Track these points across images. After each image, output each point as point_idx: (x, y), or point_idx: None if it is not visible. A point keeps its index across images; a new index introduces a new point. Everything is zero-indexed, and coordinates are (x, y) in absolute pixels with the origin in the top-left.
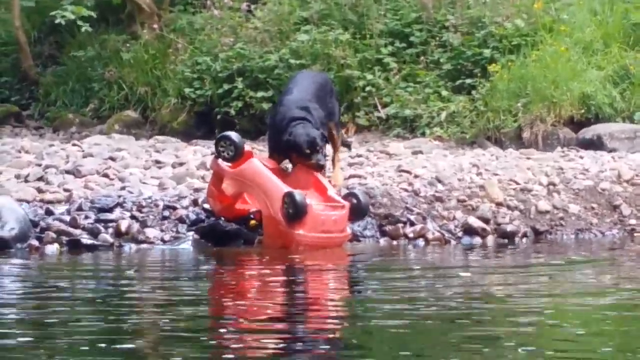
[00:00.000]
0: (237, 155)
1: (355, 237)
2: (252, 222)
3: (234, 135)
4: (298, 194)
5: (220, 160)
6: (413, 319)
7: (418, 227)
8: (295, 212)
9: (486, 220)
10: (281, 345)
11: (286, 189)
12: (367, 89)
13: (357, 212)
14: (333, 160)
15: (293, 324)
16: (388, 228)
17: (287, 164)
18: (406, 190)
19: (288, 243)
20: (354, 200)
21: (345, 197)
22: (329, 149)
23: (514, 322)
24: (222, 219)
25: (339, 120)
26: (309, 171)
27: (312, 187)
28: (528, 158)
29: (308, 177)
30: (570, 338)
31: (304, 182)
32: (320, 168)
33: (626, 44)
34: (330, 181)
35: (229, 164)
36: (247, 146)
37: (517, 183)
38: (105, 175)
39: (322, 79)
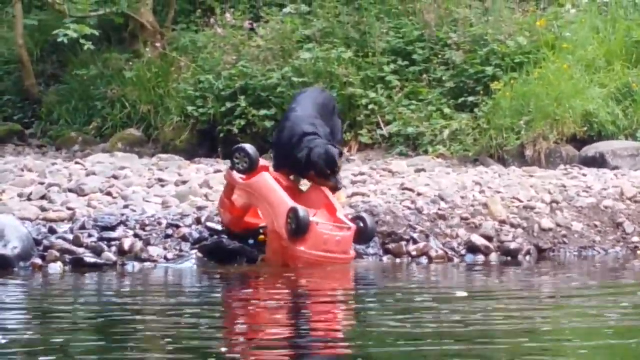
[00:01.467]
0: (251, 168)
1: (358, 255)
2: (261, 237)
3: (249, 147)
4: (302, 210)
5: (233, 172)
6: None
7: (421, 244)
8: (297, 228)
9: (489, 238)
10: None
11: (291, 204)
12: (370, 106)
13: (363, 236)
14: None
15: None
16: (391, 246)
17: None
18: (409, 208)
19: (289, 259)
20: (361, 224)
21: (352, 220)
22: None
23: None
24: (226, 237)
25: (341, 138)
26: (322, 190)
27: (322, 207)
28: (531, 176)
29: (320, 196)
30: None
31: (316, 201)
32: (338, 189)
33: (628, 62)
34: None
35: (242, 176)
36: (264, 160)
37: (520, 201)
38: (108, 194)
39: (325, 97)
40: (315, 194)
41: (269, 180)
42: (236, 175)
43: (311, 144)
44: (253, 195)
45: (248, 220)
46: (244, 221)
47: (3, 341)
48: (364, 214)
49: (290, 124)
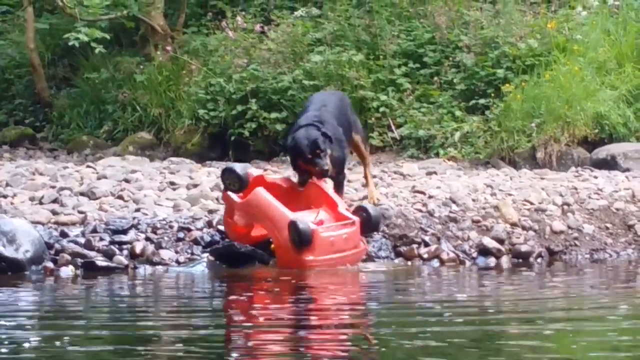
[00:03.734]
0: (243, 186)
1: (369, 259)
2: (273, 246)
3: (237, 166)
4: (301, 223)
5: (229, 192)
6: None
7: (432, 247)
8: (300, 240)
9: (501, 241)
10: None
11: (291, 217)
12: (381, 109)
13: (368, 225)
14: (365, 177)
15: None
16: (402, 249)
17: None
18: (420, 210)
19: (301, 267)
20: (364, 214)
21: (354, 212)
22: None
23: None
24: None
25: (361, 130)
26: (320, 188)
27: (323, 204)
28: (542, 178)
29: (319, 193)
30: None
31: (316, 199)
32: (324, 174)
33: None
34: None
35: (240, 194)
36: (259, 170)
37: (532, 203)
38: (120, 197)
39: (338, 95)
40: (315, 192)
41: (264, 195)
42: (233, 196)
43: (295, 133)
44: (252, 214)
45: (255, 235)
46: (251, 236)
47: (26, 345)
48: (365, 204)
49: (296, 124)
